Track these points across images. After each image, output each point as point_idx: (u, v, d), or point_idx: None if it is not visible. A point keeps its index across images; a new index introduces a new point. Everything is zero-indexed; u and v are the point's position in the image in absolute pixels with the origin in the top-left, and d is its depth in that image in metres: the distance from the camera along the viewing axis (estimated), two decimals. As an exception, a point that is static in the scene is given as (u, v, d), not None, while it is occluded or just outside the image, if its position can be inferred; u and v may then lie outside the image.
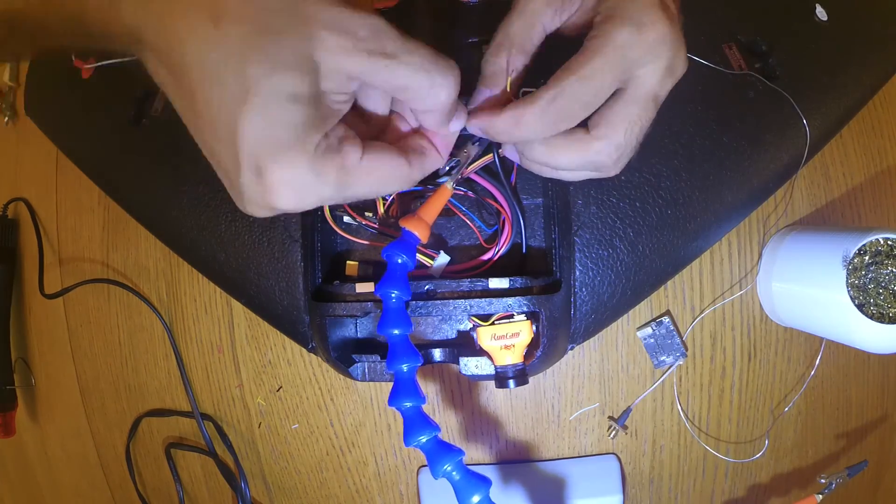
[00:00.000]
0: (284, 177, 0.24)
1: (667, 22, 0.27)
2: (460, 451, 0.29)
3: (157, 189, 0.42)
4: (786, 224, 0.44)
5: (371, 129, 0.30)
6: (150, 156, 0.42)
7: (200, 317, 0.47)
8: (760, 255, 0.43)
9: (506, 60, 0.30)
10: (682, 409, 0.44)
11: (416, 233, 0.32)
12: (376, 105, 0.30)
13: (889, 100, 0.44)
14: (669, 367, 0.43)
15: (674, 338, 0.43)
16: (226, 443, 0.47)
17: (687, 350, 0.43)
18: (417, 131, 0.30)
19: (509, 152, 0.34)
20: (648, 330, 0.43)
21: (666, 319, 0.43)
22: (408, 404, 0.30)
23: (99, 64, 0.45)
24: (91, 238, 0.49)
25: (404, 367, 0.30)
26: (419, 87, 0.26)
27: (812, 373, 0.43)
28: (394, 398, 0.30)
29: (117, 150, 0.44)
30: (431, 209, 0.33)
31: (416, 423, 0.29)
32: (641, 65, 0.27)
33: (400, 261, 0.31)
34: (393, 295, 0.30)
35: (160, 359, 0.48)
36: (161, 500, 0.49)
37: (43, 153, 0.50)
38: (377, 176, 0.27)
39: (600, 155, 0.29)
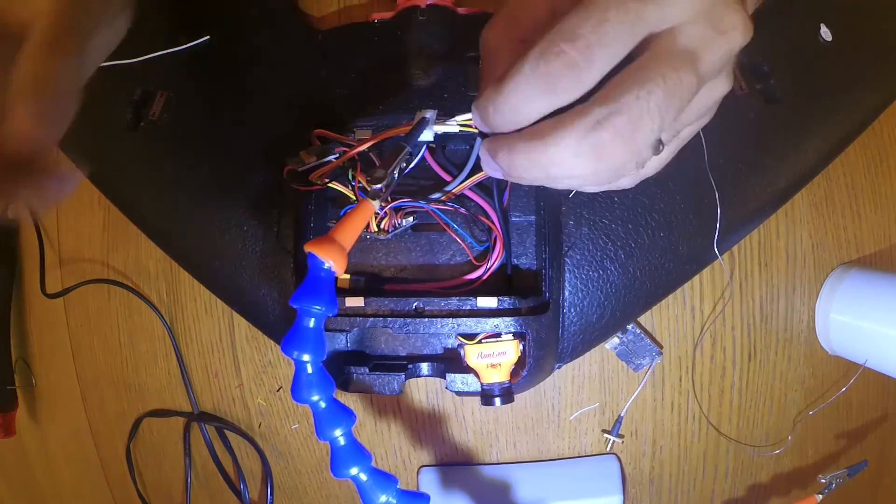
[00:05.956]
0: None
1: None
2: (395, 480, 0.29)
3: (152, 194, 0.42)
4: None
5: None
6: (146, 160, 0.42)
7: (201, 317, 0.47)
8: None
9: (506, 36, 0.24)
10: (682, 408, 0.44)
11: (330, 260, 0.25)
12: None
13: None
14: (649, 368, 0.43)
15: (643, 340, 0.43)
16: (225, 444, 0.47)
17: (661, 347, 0.43)
18: None
19: (490, 169, 0.25)
20: (615, 340, 0.43)
21: (630, 325, 0.42)
22: (355, 471, 0.28)
23: (99, 64, 0.45)
24: (91, 238, 0.49)
25: (337, 433, 0.27)
26: None
27: (842, 390, 0.43)
28: (338, 468, 0.28)
29: (114, 152, 0.44)
30: (349, 229, 0.27)
31: (367, 488, 0.28)
32: (672, 3, 0.20)
33: (317, 309, 0.26)
34: (306, 359, 0.26)
35: (160, 359, 0.48)
36: (161, 500, 0.49)
37: (43, 153, 0.50)
38: None
39: (604, 132, 0.20)
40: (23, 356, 0.52)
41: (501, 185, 0.37)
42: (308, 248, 0.26)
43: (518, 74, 0.20)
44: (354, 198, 0.36)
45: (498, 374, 0.35)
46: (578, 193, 0.38)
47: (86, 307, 0.49)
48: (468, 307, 0.35)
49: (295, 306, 0.26)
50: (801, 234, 0.43)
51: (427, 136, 0.31)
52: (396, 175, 0.29)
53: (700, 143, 0.38)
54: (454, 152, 0.39)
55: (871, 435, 0.45)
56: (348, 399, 0.45)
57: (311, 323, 0.26)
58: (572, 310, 0.38)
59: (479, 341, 0.35)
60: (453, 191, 0.36)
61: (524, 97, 0.21)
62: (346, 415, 0.28)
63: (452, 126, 0.31)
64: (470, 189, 0.37)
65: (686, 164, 0.38)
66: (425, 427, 0.45)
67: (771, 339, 0.44)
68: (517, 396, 0.44)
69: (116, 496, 0.51)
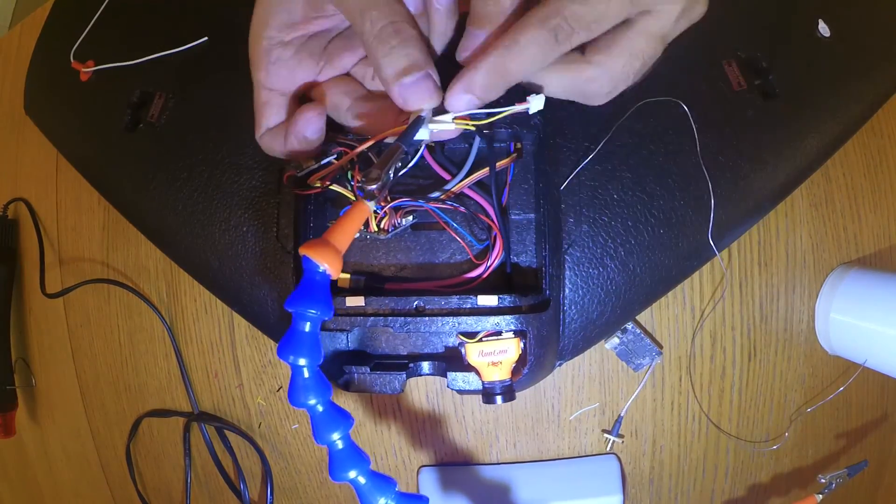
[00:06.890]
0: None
1: None
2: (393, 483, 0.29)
3: (151, 195, 0.42)
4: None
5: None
6: (145, 161, 0.42)
7: (200, 317, 0.47)
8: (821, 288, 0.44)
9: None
10: (682, 408, 0.44)
11: (325, 264, 0.25)
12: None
13: (889, 101, 0.44)
14: (648, 368, 0.43)
15: (643, 340, 0.43)
16: (225, 444, 0.47)
17: (661, 347, 0.43)
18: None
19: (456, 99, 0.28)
20: (615, 340, 0.43)
21: (629, 325, 0.42)
22: (353, 475, 0.28)
23: (98, 67, 0.45)
24: (91, 238, 0.49)
25: (335, 437, 0.27)
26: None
27: (841, 389, 0.43)
28: (336, 472, 0.28)
29: (113, 153, 0.44)
30: (344, 232, 0.26)
31: (365, 491, 0.28)
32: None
33: (312, 313, 0.26)
34: (302, 363, 0.26)
35: (160, 359, 0.48)
36: (161, 500, 0.49)
37: (43, 153, 0.50)
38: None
39: (593, 84, 0.28)
40: (23, 356, 0.52)
41: (500, 183, 0.37)
42: (303, 252, 0.25)
43: (523, 40, 0.26)
44: (354, 198, 0.36)
45: (499, 372, 0.35)
46: (578, 190, 0.38)
47: (85, 307, 0.49)
48: (469, 305, 0.35)
49: (290, 310, 0.26)
50: (801, 234, 0.43)
51: (422, 134, 0.31)
52: (391, 175, 0.28)
53: (700, 139, 0.38)
54: (453, 151, 0.39)
55: (871, 435, 0.45)
56: (348, 398, 0.45)
57: (307, 327, 0.26)
58: (573, 307, 0.38)
59: (480, 339, 0.35)
60: (452, 189, 0.36)
61: (535, 55, 0.26)
62: (344, 418, 0.28)
63: (448, 123, 0.31)
64: (469, 187, 0.37)
65: (685, 162, 0.38)
66: (425, 427, 0.46)
67: (771, 339, 0.44)
68: (517, 396, 0.44)
69: (116, 496, 0.51)
